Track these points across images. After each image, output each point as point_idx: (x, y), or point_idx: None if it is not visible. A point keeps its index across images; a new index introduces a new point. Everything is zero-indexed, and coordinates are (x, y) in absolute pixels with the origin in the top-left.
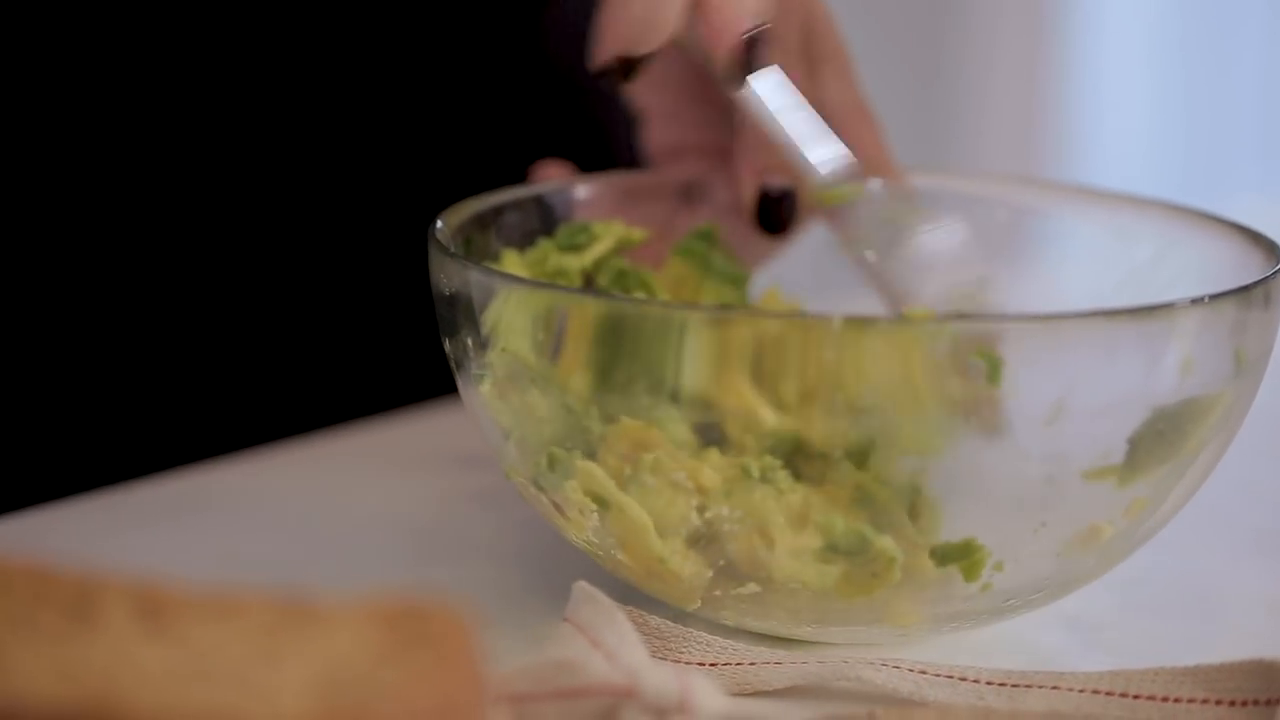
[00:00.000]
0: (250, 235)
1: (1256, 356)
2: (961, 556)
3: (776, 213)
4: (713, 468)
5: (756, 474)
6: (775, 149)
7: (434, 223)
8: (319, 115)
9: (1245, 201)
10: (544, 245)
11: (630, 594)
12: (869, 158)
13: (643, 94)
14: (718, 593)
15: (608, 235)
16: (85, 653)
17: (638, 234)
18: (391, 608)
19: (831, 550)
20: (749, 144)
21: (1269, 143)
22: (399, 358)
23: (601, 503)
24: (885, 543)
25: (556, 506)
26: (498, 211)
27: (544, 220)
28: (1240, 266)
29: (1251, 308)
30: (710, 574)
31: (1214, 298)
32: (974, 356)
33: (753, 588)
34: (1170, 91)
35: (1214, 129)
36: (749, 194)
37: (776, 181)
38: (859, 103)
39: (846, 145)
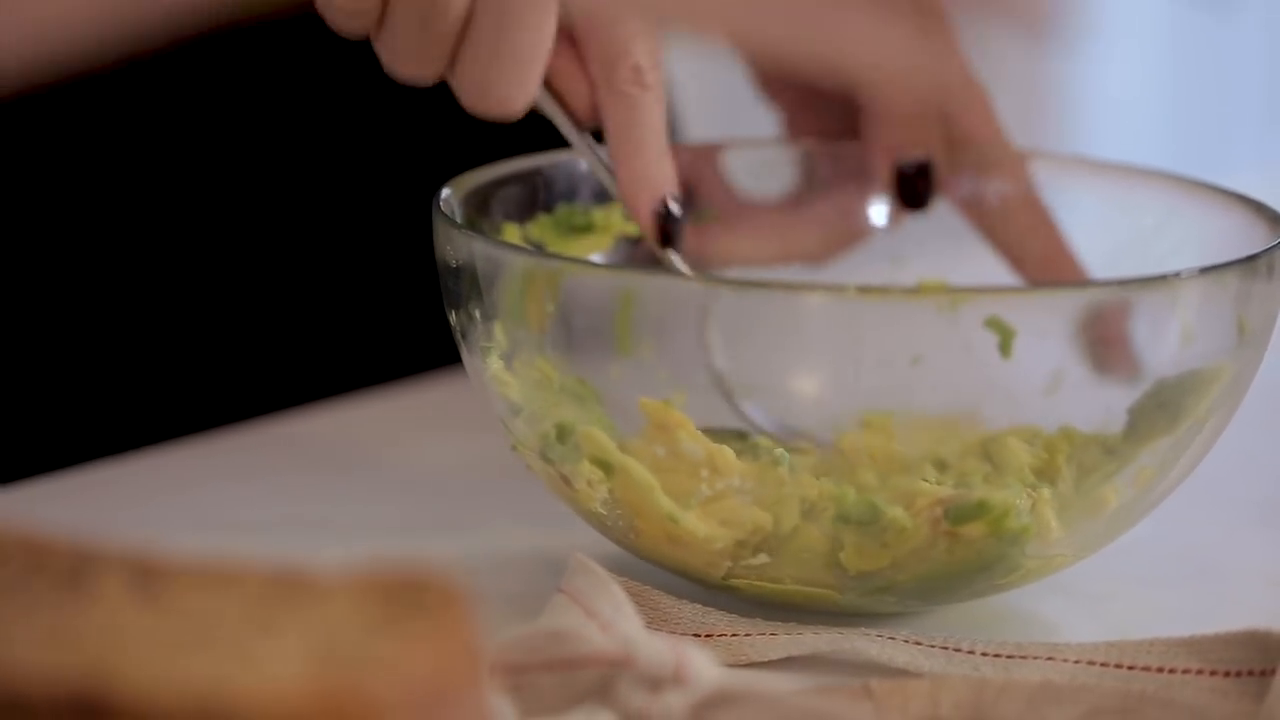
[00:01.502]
0: (256, 202)
1: (1260, 328)
2: (976, 516)
3: (915, 187)
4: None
5: (785, 463)
6: (907, 122)
7: (438, 194)
8: (325, 83)
9: (1247, 177)
10: (542, 221)
11: (651, 573)
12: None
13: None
14: (728, 563)
15: (607, 230)
16: (80, 621)
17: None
18: (387, 578)
19: (842, 521)
20: (876, 121)
21: (1272, 118)
22: (399, 326)
23: (606, 468)
24: (896, 513)
25: (565, 479)
26: (500, 183)
27: (547, 193)
28: (1244, 238)
29: (1255, 279)
30: (729, 536)
31: (1217, 268)
32: (985, 327)
33: (763, 558)
34: (1174, 66)
35: (1216, 104)
36: (885, 172)
37: (910, 156)
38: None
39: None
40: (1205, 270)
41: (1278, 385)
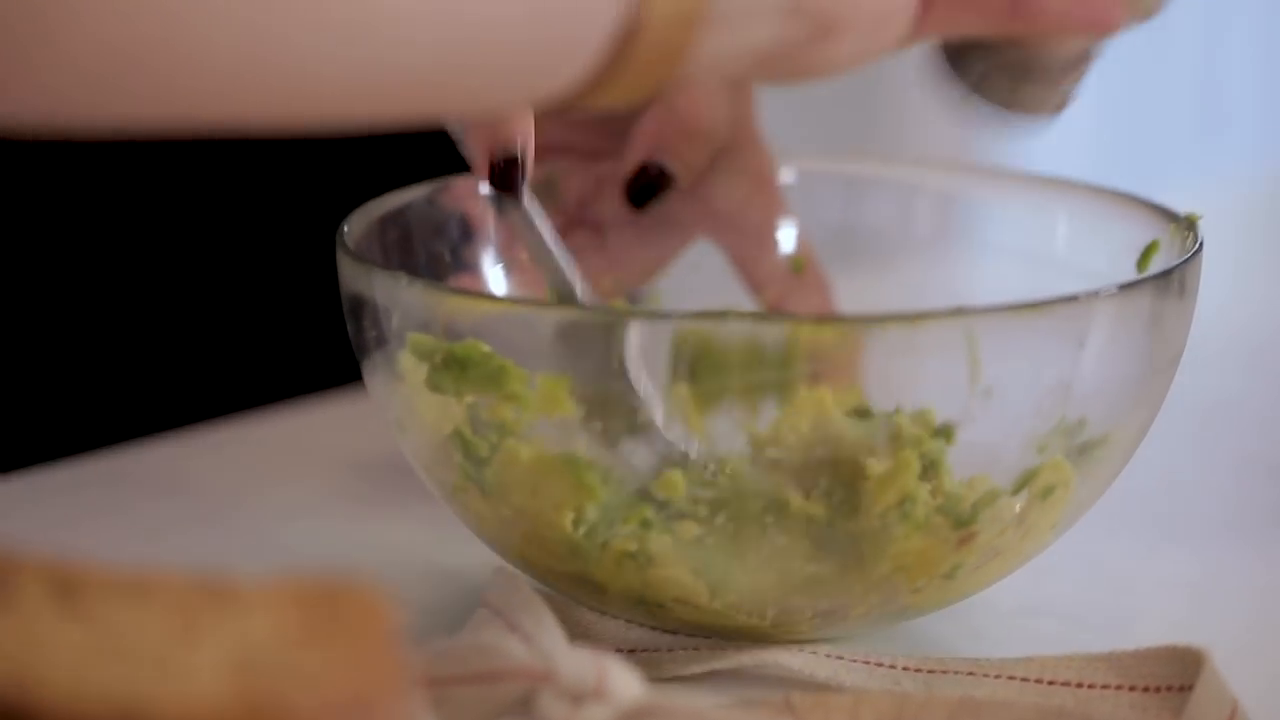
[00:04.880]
0: (174, 219)
1: (1172, 344)
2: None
3: (646, 187)
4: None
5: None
6: (675, 130)
7: (341, 226)
8: None
9: (1180, 185)
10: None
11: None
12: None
13: None
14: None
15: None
16: (0, 631)
17: None
18: (308, 590)
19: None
20: (653, 115)
21: (1206, 126)
22: (324, 343)
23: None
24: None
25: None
26: (395, 216)
27: (434, 224)
28: (1165, 253)
29: (1168, 296)
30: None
31: (1129, 286)
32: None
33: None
34: (1108, 73)
35: (1151, 111)
36: (632, 161)
37: (664, 160)
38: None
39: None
40: (1117, 289)
41: (1188, 402)
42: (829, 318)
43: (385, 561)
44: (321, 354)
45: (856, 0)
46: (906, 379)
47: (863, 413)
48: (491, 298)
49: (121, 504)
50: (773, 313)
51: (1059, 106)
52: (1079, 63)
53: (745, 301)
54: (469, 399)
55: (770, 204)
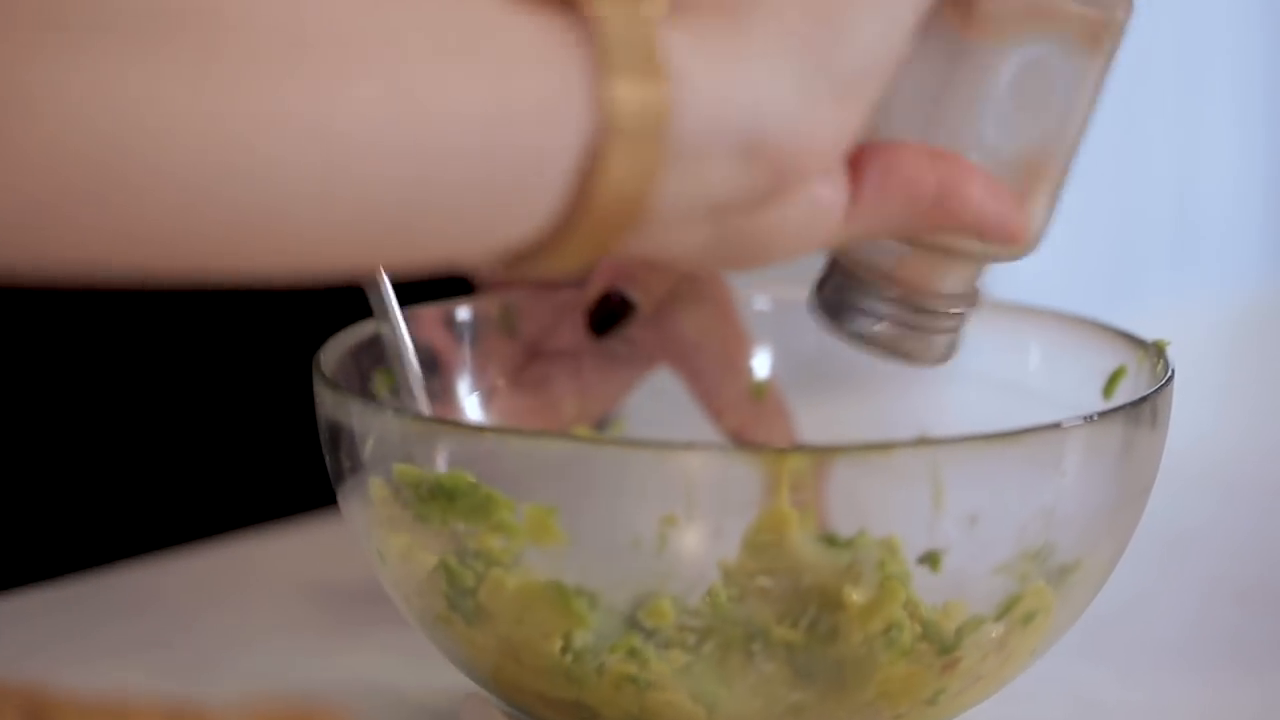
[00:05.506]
0: (137, 345)
1: (1144, 472)
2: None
3: (608, 315)
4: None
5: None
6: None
7: (316, 355)
8: None
9: (1153, 308)
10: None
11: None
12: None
13: None
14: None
15: None
16: None
17: None
18: (278, 716)
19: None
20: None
21: (1180, 249)
22: (297, 464)
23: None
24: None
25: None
26: (369, 345)
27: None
28: (1132, 379)
29: (1139, 425)
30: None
31: (1101, 416)
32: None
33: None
34: (1082, 193)
35: (1124, 234)
36: (593, 290)
37: (626, 289)
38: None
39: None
40: (1088, 419)
41: (1163, 528)
42: (796, 446)
43: (354, 688)
44: (285, 479)
45: (809, 149)
46: (875, 506)
47: (829, 540)
48: (477, 427)
49: (89, 626)
50: (737, 441)
51: (943, 357)
52: (964, 304)
53: (707, 428)
54: (455, 528)
55: (730, 331)
